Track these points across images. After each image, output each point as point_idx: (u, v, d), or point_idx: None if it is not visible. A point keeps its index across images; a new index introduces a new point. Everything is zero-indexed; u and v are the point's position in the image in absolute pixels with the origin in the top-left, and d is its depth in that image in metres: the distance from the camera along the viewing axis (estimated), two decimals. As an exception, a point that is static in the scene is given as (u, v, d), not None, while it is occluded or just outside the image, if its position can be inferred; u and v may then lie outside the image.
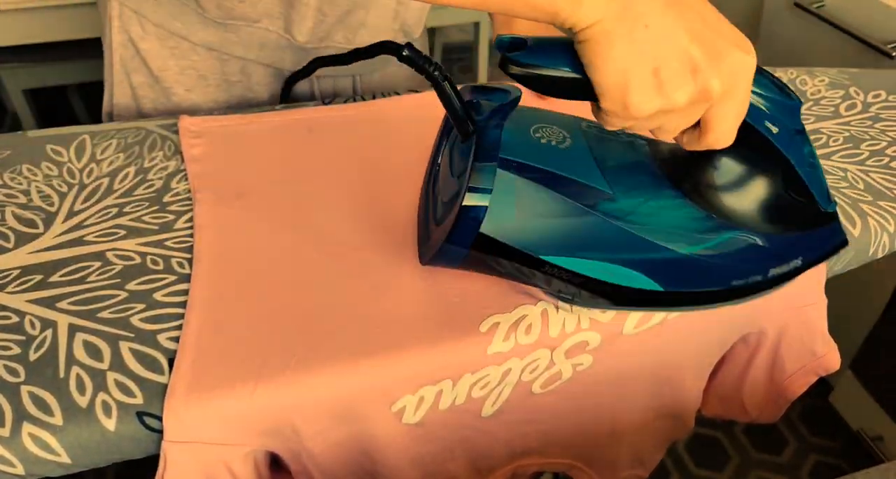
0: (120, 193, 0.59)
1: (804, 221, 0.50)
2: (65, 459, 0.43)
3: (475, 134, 0.45)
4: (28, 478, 0.43)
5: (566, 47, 0.41)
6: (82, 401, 0.43)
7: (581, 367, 0.51)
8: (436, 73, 0.44)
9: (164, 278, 0.51)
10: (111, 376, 0.45)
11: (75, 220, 0.56)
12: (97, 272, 0.51)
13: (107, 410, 0.43)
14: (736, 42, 0.40)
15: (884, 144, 0.69)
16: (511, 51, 0.42)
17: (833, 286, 0.59)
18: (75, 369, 0.45)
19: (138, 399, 0.44)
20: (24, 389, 0.44)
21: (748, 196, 0.48)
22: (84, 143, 0.65)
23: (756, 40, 1.28)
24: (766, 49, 1.26)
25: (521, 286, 0.51)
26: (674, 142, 0.46)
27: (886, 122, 0.73)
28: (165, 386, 0.44)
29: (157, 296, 0.50)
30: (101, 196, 0.59)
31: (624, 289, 0.47)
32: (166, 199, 0.59)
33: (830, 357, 0.59)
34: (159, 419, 0.43)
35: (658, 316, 0.51)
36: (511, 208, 0.45)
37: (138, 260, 0.53)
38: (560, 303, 0.50)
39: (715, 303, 0.50)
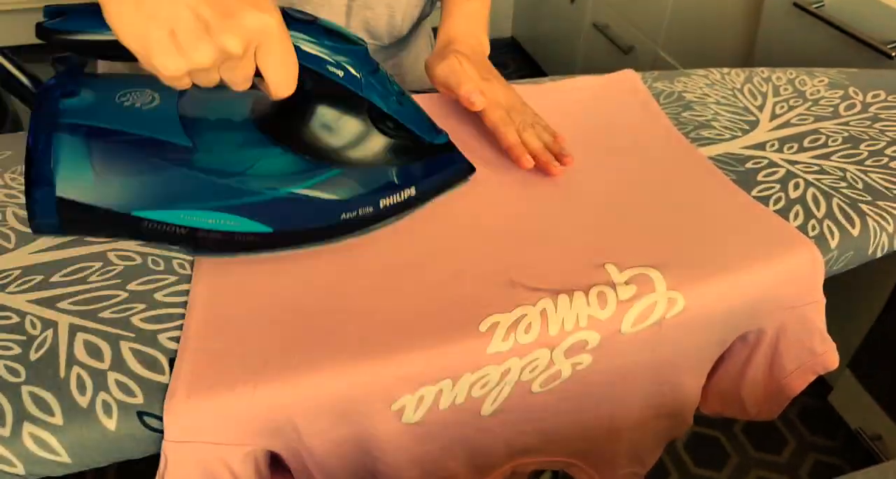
0: (120, 193, 0.59)
1: (407, 154, 0.53)
2: (65, 458, 0.43)
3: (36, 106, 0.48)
4: (28, 478, 0.44)
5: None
6: (83, 401, 0.43)
7: (580, 366, 0.51)
8: None
9: (165, 279, 0.51)
10: (112, 376, 0.45)
11: (76, 220, 0.56)
12: (98, 273, 0.52)
13: (107, 410, 0.43)
14: (250, 2, 0.41)
15: (883, 144, 0.70)
16: (53, 19, 0.43)
17: (832, 286, 0.59)
18: (76, 369, 0.45)
19: (139, 399, 0.44)
20: (25, 389, 0.44)
21: (339, 136, 0.51)
22: (84, 143, 0.65)
23: (755, 40, 1.28)
24: (765, 49, 1.26)
25: (521, 286, 0.51)
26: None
27: (885, 122, 0.73)
28: (166, 386, 0.44)
29: (158, 296, 0.50)
30: (102, 196, 0.59)
31: (235, 235, 0.50)
32: (166, 199, 0.59)
33: (829, 356, 0.60)
34: (160, 418, 0.43)
35: (657, 314, 0.51)
36: (87, 171, 0.47)
37: (139, 260, 0.53)
38: None
39: (332, 238, 0.53)
